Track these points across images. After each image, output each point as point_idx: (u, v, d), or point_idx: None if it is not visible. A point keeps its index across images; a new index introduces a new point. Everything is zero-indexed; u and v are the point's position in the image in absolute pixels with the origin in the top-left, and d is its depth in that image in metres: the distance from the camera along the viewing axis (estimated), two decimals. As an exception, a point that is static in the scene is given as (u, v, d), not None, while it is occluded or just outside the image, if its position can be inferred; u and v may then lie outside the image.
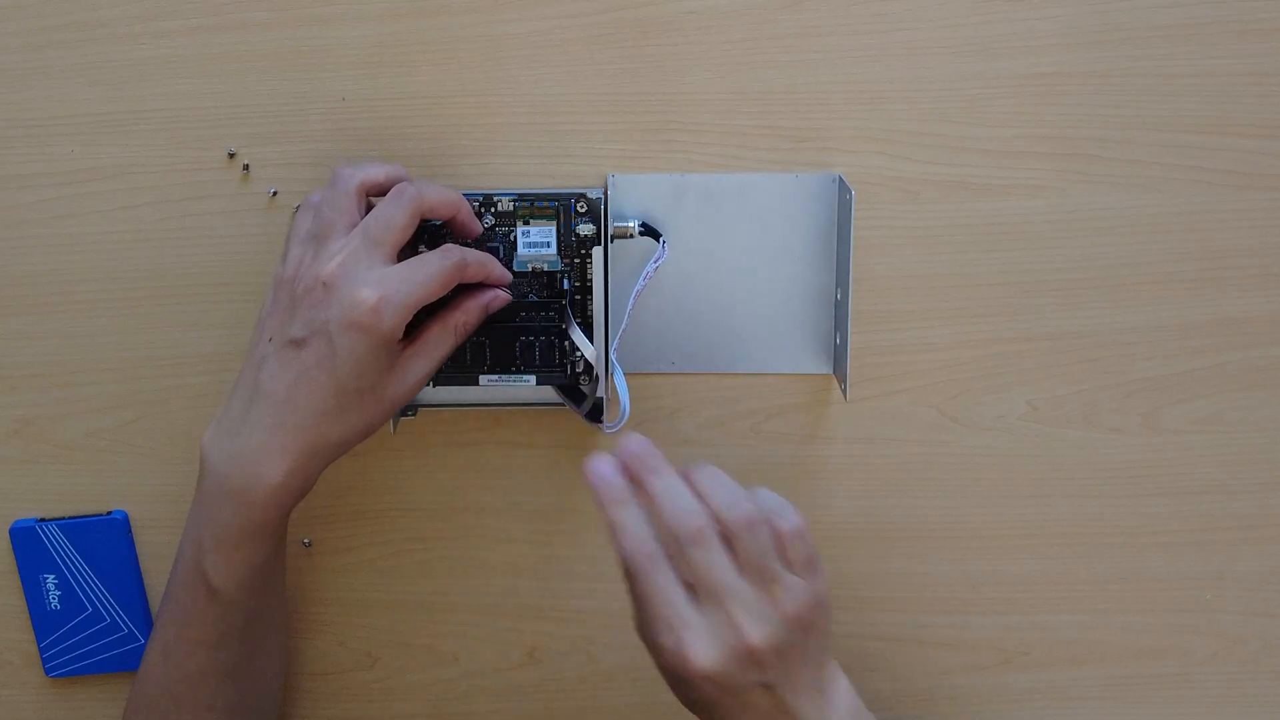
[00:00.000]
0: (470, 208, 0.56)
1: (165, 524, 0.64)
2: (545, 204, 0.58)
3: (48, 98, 0.60)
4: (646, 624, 0.50)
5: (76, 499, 0.64)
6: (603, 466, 0.51)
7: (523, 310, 0.58)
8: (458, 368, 0.59)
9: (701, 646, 0.48)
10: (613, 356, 0.60)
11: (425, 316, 0.54)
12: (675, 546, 0.49)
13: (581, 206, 0.58)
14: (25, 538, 0.64)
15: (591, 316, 0.59)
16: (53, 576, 0.64)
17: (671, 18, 0.59)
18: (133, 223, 0.61)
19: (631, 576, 0.50)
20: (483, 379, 0.59)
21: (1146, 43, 0.59)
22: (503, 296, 0.56)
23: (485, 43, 0.59)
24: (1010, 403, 0.62)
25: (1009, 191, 0.60)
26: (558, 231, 0.58)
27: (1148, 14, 0.58)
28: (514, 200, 0.58)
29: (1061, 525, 0.63)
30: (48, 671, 0.65)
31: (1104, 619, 0.64)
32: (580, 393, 0.60)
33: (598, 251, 0.58)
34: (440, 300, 0.53)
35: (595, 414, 0.60)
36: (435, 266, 0.52)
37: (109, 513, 0.64)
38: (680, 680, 0.50)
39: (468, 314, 0.55)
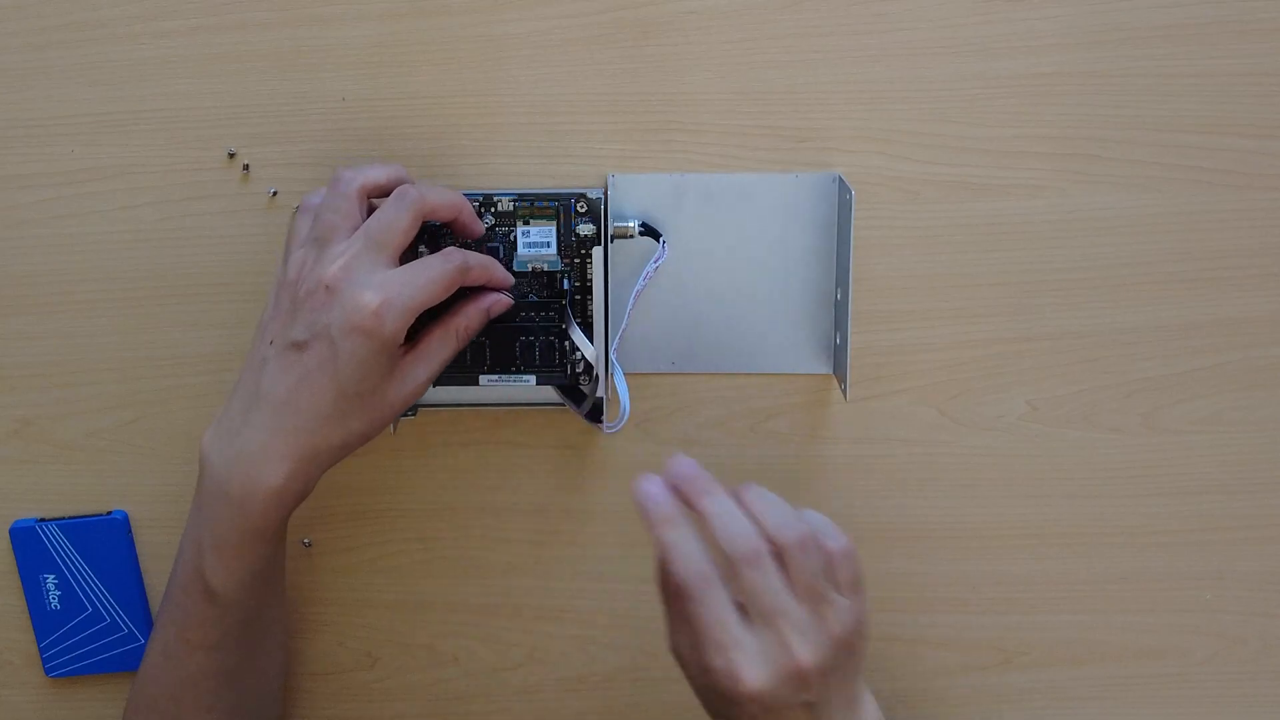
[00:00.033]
0: (472, 209, 0.56)
1: (165, 524, 0.64)
2: (545, 204, 0.58)
3: (48, 98, 0.60)
4: (695, 645, 0.50)
5: (76, 499, 0.64)
6: (652, 487, 0.51)
7: (523, 310, 0.58)
8: (458, 368, 0.59)
9: (753, 667, 0.48)
10: (613, 356, 0.60)
11: (427, 320, 0.54)
12: (728, 567, 0.49)
13: (581, 206, 0.58)
14: (25, 538, 0.64)
15: (591, 316, 0.59)
16: (53, 576, 0.64)
17: (671, 18, 0.59)
18: (133, 223, 0.61)
19: (683, 598, 0.49)
20: (483, 379, 0.59)
21: (1146, 43, 0.59)
22: (504, 301, 0.56)
23: (485, 43, 0.59)
24: (1010, 403, 0.62)
25: (1009, 191, 0.60)
26: (558, 231, 0.58)
27: (1148, 14, 0.58)
28: (514, 200, 0.58)
29: (1061, 525, 0.63)
30: (48, 671, 0.65)
31: (1104, 619, 0.64)
32: (580, 393, 0.60)
33: (598, 251, 0.58)
34: (441, 303, 0.53)
35: (595, 414, 0.60)
36: (437, 270, 0.52)
37: (109, 513, 0.64)
38: (725, 700, 0.49)
39: (469, 319, 0.55)
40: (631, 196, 0.60)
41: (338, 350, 0.51)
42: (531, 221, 0.58)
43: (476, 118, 0.60)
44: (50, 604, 0.64)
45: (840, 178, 0.59)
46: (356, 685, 0.66)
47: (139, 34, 0.60)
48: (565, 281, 0.58)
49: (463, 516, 0.64)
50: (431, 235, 0.57)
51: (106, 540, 0.64)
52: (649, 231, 0.60)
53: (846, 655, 0.50)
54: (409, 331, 0.52)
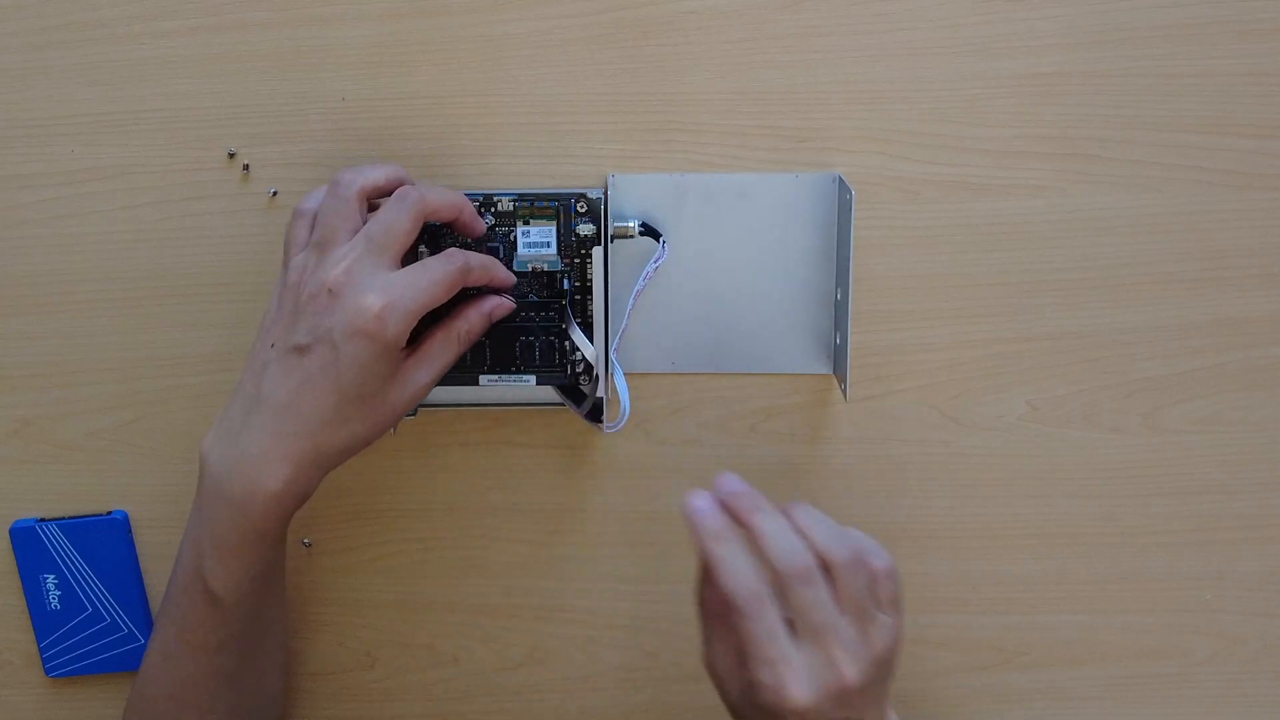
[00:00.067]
0: (473, 208, 0.56)
1: (165, 524, 0.64)
2: (545, 204, 0.58)
3: (48, 98, 0.60)
4: (740, 659, 0.51)
5: (76, 499, 0.64)
6: (702, 502, 0.51)
7: (523, 310, 0.58)
8: (458, 368, 0.59)
9: (800, 683, 0.49)
10: (613, 356, 0.60)
11: (429, 322, 0.54)
12: (776, 583, 0.50)
13: (581, 206, 0.58)
14: (25, 538, 0.64)
15: (591, 316, 0.59)
16: (53, 576, 0.64)
17: (671, 18, 0.59)
18: (133, 223, 0.61)
19: (733, 612, 0.50)
20: (483, 379, 0.59)
21: (1146, 43, 0.59)
22: (506, 305, 0.56)
23: (485, 43, 0.59)
24: (1010, 403, 0.62)
25: (1009, 191, 0.60)
26: (558, 231, 0.58)
27: (1148, 14, 0.58)
28: (514, 200, 0.58)
29: (1061, 525, 0.63)
30: (48, 671, 0.65)
31: (1104, 619, 0.64)
32: (580, 393, 0.60)
33: (598, 251, 0.58)
34: (443, 305, 0.53)
35: (595, 414, 0.60)
36: (439, 272, 0.52)
37: (109, 513, 0.64)
38: (767, 715, 0.50)
39: (470, 322, 0.55)
40: (631, 196, 0.60)
41: (340, 353, 0.51)
42: (531, 221, 0.58)
43: (476, 118, 0.60)
44: (50, 604, 0.64)
45: (840, 178, 0.59)
46: (356, 685, 0.66)
47: (139, 34, 0.60)
48: (565, 281, 0.58)
49: (463, 516, 0.64)
50: (432, 235, 0.57)
51: (106, 540, 0.64)
52: (649, 231, 0.60)
53: (884, 673, 0.51)
54: (411, 335, 0.52)
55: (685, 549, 0.64)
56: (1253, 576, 0.63)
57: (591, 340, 0.58)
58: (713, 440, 0.63)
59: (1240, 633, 0.64)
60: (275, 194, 0.61)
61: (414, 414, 0.62)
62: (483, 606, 0.65)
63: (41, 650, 0.65)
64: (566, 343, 0.59)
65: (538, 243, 0.58)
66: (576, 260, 0.58)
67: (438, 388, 0.60)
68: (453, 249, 0.54)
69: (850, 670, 0.49)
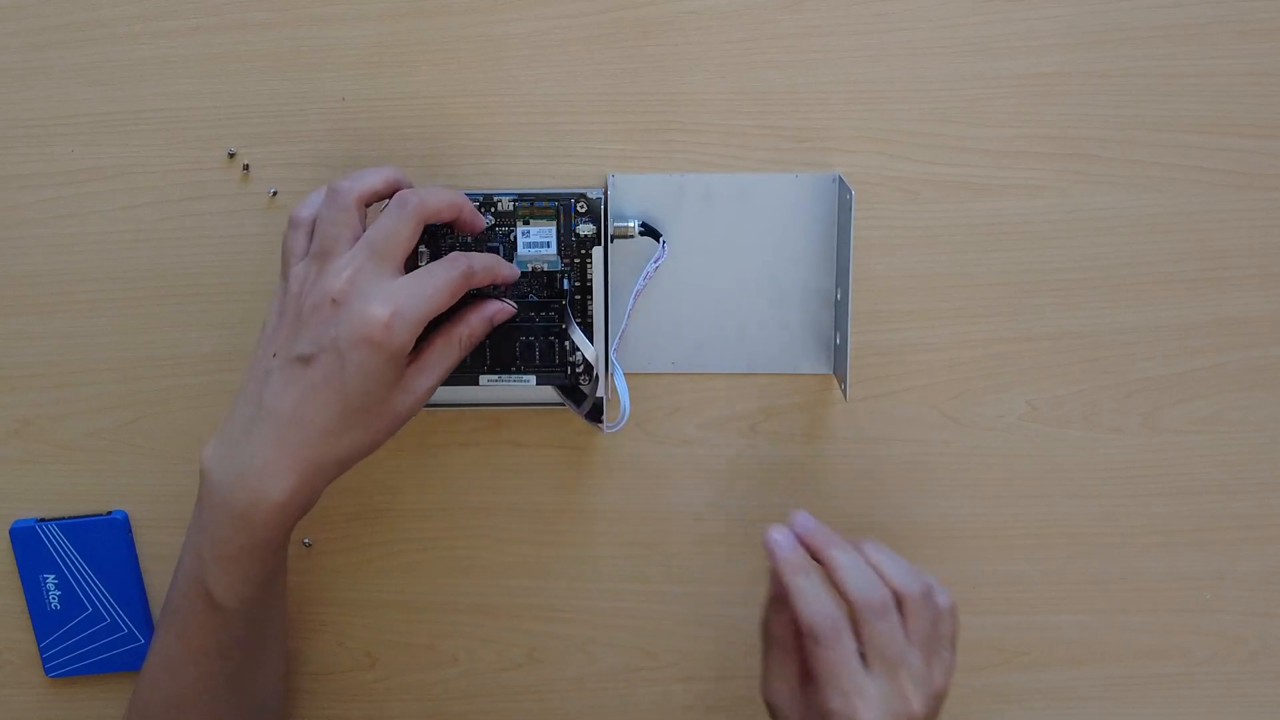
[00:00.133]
0: (472, 206, 0.56)
1: (165, 524, 0.64)
2: (545, 204, 0.58)
3: (48, 98, 0.60)
4: (812, 687, 0.52)
5: (76, 499, 0.64)
6: (782, 536, 0.53)
7: (523, 310, 0.58)
8: (458, 368, 0.58)
9: (871, 713, 0.51)
10: (613, 356, 0.60)
11: (430, 326, 0.53)
12: (854, 615, 0.52)
13: (581, 206, 0.58)
14: (25, 538, 0.64)
15: (591, 316, 0.59)
16: (53, 576, 0.64)
17: (671, 18, 0.59)
18: (133, 223, 0.61)
19: (812, 641, 0.52)
20: (483, 379, 0.59)
21: (1146, 43, 0.59)
22: (507, 309, 0.57)
23: (485, 43, 0.59)
24: (1010, 403, 0.62)
25: (1009, 191, 0.60)
26: (558, 231, 0.58)
27: (1148, 14, 0.58)
28: (514, 200, 0.58)
29: (1061, 525, 0.63)
30: (48, 671, 0.65)
31: (1104, 619, 0.64)
32: (580, 393, 0.60)
33: (598, 251, 0.58)
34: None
35: (595, 414, 0.60)
36: (443, 277, 0.52)
37: (109, 513, 0.64)
38: None
39: (471, 327, 0.55)
40: (631, 196, 0.60)
41: (346, 363, 0.50)
42: (531, 221, 0.58)
43: (476, 118, 0.60)
44: (50, 604, 0.64)
45: (840, 178, 0.59)
46: (356, 685, 0.66)
47: (139, 34, 0.60)
48: (565, 281, 0.58)
49: (463, 516, 0.64)
50: (431, 234, 0.57)
51: (106, 540, 0.64)
52: (649, 231, 0.60)
53: (939, 706, 0.53)
54: None
55: (685, 549, 0.64)
56: (1253, 576, 0.63)
57: (591, 340, 0.58)
58: (713, 440, 0.63)
59: (1240, 633, 0.64)
60: (275, 194, 0.61)
61: (414, 414, 0.62)
62: (483, 606, 0.65)
63: (41, 650, 0.65)
64: (566, 343, 0.59)
65: (538, 243, 0.58)
66: (576, 260, 0.58)
67: (438, 388, 0.60)
68: (455, 253, 0.54)
69: (917, 701, 0.52)
